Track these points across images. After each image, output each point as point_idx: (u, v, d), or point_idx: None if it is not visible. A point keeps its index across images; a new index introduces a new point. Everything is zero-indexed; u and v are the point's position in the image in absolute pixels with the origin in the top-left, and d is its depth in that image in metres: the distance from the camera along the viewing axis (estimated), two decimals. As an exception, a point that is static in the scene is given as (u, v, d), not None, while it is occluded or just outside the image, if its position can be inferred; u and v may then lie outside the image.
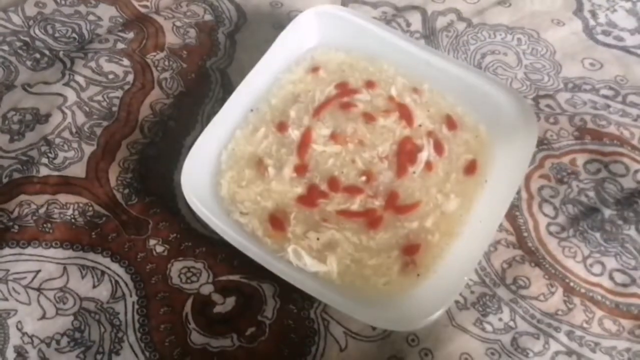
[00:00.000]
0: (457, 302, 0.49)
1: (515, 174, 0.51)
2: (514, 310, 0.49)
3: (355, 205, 0.50)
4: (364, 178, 0.52)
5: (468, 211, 0.50)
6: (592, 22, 0.68)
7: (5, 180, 0.52)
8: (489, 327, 0.48)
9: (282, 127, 0.54)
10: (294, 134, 0.53)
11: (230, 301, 0.48)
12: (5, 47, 0.61)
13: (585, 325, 0.49)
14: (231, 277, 0.49)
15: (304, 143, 0.53)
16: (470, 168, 0.52)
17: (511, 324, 0.48)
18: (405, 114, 0.55)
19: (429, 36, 0.65)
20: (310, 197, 0.51)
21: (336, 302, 0.45)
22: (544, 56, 0.64)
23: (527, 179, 0.55)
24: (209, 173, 0.51)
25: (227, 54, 0.62)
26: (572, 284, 0.50)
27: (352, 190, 0.51)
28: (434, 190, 0.51)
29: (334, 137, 0.53)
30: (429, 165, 0.52)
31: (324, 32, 0.58)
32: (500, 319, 0.49)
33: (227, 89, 0.59)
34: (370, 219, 0.50)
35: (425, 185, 0.51)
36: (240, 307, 0.48)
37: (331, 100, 0.55)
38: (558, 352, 0.47)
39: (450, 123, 0.55)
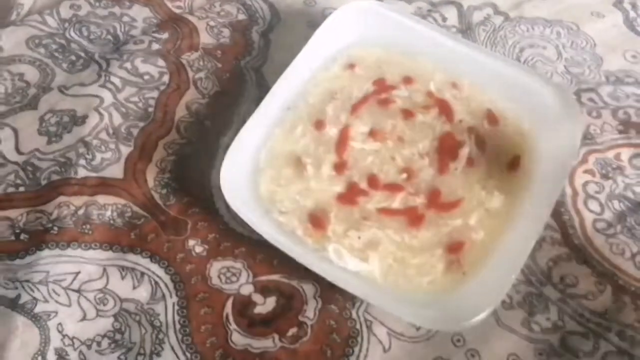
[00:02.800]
0: (503, 301, 0.47)
1: (560, 170, 0.49)
2: (562, 310, 0.48)
3: (396, 203, 0.49)
4: (404, 175, 0.51)
5: (512, 208, 0.49)
6: (632, 14, 0.66)
7: (44, 182, 0.52)
8: (536, 327, 0.47)
9: (319, 125, 0.53)
10: (332, 131, 0.53)
11: (271, 301, 0.48)
12: (42, 50, 0.61)
13: (636, 324, 0.47)
14: (271, 277, 0.49)
15: (342, 141, 0.52)
16: (514, 164, 0.51)
17: (559, 323, 0.47)
18: (445, 110, 0.54)
19: (466, 31, 0.63)
20: (350, 195, 0.50)
21: (379, 302, 0.44)
22: (584, 49, 0.63)
23: (571, 174, 0.54)
24: (247, 172, 0.50)
25: (262, 53, 0.62)
26: (621, 281, 0.49)
27: (393, 187, 0.50)
28: (477, 187, 0.50)
29: (372, 134, 0.52)
30: (470, 161, 0.51)
31: (360, 28, 0.58)
32: (548, 319, 0.47)
33: (262, 88, 0.59)
34: (412, 217, 0.49)
35: (467, 182, 0.50)
36: (281, 308, 0.47)
37: (369, 97, 0.54)
38: (609, 352, 0.46)
39: (492, 118, 0.53)
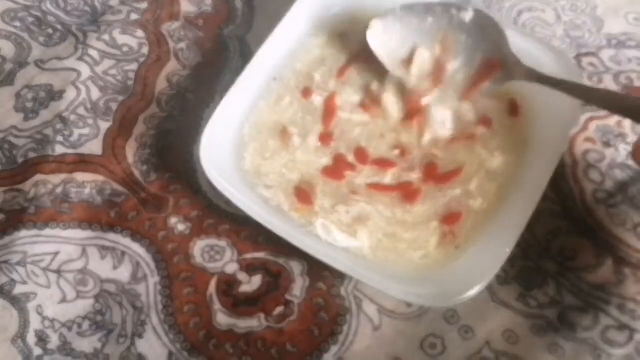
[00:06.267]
0: (497, 276, 0.45)
1: (560, 137, 0.47)
2: (560, 284, 0.46)
3: (387, 178, 0.47)
4: (397, 152, 0.48)
5: (511, 171, 0.47)
6: (635, -26, 0.63)
7: (20, 160, 0.51)
8: (533, 302, 0.45)
9: (306, 92, 0.51)
10: (317, 100, 0.50)
11: (257, 280, 0.46)
12: (17, 24, 0.59)
13: (637, 297, 0.45)
14: (257, 255, 0.47)
15: (329, 109, 0.50)
16: (514, 109, 0.49)
17: (557, 298, 0.45)
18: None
19: (460, -6, 0.61)
20: (336, 169, 0.48)
21: (369, 278, 0.42)
22: (584, 12, 0.60)
23: (571, 143, 0.51)
24: (231, 146, 0.48)
25: (246, 21, 0.59)
26: (622, 254, 0.47)
27: (383, 163, 0.48)
28: (479, 147, 0.48)
29: (363, 105, 0.50)
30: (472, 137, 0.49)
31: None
32: (545, 293, 0.45)
33: (247, 58, 0.56)
34: (406, 192, 0.46)
35: (468, 148, 0.48)
36: (267, 286, 0.46)
37: (355, 56, 0.52)
38: (609, 327, 0.44)
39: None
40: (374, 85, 0.51)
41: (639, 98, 0.41)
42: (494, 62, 0.48)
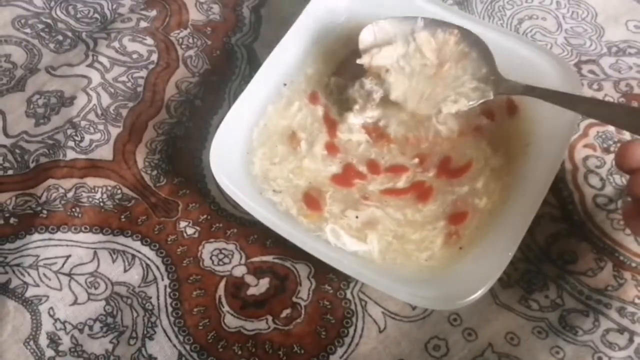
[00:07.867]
0: (500, 279, 0.46)
1: (560, 143, 0.48)
2: (561, 287, 0.47)
3: (402, 182, 0.49)
4: (416, 160, 0.50)
5: (515, 175, 0.48)
6: (635, -18, 0.64)
7: (32, 165, 0.52)
8: (534, 305, 0.46)
9: (314, 98, 0.52)
10: (320, 110, 0.52)
11: (264, 283, 0.47)
12: (28, 30, 0.60)
13: (637, 300, 0.46)
14: (264, 258, 0.48)
15: (329, 122, 0.51)
16: (511, 108, 0.51)
17: (558, 301, 0.46)
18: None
19: (463, 2, 0.61)
20: (345, 177, 0.49)
21: (374, 281, 0.43)
22: (585, 19, 0.61)
23: (571, 149, 0.52)
24: (240, 151, 0.49)
25: (253, 29, 0.60)
26: (622, 257, 0.48)
27: (397, 169, 0.49)
28: (485, 144, 0.49)
29: (366, 127, 0.51)
30: (479, 128, 0.50)
31: (355, 3, 0.56)
32: (546, 296, 0.46)
33: (254, 65, 0.58)
34: (420, 192, 0.48)
35: (476, 142, 0.50)
36: (275, 289, 0.47)
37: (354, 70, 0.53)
38: (609, 330, 0.45)
39: None
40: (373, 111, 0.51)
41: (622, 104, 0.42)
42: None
